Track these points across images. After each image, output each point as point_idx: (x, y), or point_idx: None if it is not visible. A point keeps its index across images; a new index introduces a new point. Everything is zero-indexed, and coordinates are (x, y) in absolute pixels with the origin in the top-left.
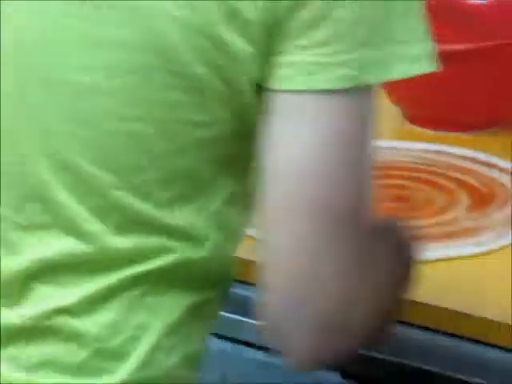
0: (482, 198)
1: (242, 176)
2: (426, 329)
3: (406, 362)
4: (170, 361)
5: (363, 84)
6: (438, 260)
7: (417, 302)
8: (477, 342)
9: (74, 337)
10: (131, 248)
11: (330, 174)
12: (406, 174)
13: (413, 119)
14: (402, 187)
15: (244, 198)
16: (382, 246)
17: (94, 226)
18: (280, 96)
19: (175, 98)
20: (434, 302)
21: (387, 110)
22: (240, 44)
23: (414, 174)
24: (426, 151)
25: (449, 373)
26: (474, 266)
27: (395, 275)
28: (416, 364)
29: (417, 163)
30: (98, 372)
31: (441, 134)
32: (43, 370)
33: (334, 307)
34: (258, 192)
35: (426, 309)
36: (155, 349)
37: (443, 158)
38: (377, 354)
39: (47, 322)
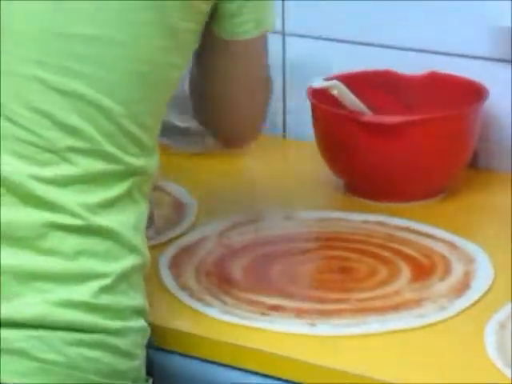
0: (424, 270)
1: None
2: None
3: None
4: (147, 253)
5: None
6: (380, 333)
7: (361, 376)
8: None
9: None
10: (140, 164)
11: None
12: (347, 245)
13: (353, 190)
14: (344, 259)
15: None
16: None
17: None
18: None
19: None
20: (375, 376)
21: (328, 182)
22: None
23: (356, 245)
24: (367, 222)
25: None
26: (416, 338)
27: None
28: None
29: (358, 234)
30: (117, 258)
31: (380, 204)
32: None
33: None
34: None
35: (369, 381)
36: (143, 241)
37: (383, 229)
38: None
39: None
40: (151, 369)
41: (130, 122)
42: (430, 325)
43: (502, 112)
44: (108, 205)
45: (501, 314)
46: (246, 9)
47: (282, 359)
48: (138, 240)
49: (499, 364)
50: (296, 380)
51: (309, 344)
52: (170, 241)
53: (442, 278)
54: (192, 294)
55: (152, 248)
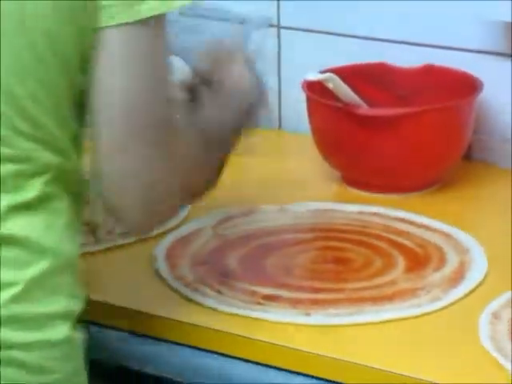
0: (418, 260)
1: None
2: None
3: None
4: (71, 250)
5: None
6: (375, 322)
7: (356, 364)
8: None
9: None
10: (46, 162)
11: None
12: (343, 236)
13: (349, 182)
14: (340, 249)
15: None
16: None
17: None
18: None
19: None
20: (370, 364)
21: (324, 173)
22: None
23: (351, 236)
24: (362, 213)
25: None
26: (411, 327)
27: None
28: None
29: (353, 225)
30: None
31: (376, 195)
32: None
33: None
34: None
35: (363, 370)
36: (63, 239)
37: (379, 220)
38: None
39: None
40: (147, 358)
41: (41, 114)
42: (425, 314)
43: (496, 105)
44: (15, 209)
45: (495, 304)
46: None
47: (277, 348)
48: (52, 241)
49: (493, 353)
50: (290, 368)
51: (304, 333)
52: (166, 232)
53: (437, 269)
54: (187, 285)
55: (148, 239)
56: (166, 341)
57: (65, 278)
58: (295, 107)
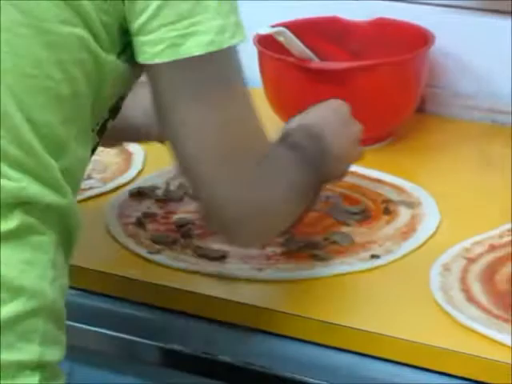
0: (371, 214)
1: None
2: (314, 344)
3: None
4: (52, 292)
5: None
6: (328, 276)
7: (309, 319)
8: (373, 357)
9: None
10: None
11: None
12: None
13: None
14: None
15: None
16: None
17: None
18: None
19: None
20: (322, 318)
21: (277, 128)
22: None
23: None
24: None
25: None
26: (363, 280)
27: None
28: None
29: None
30: None
31: None
32: None
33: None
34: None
35: (316, 324)
36: (42, 279)
37: None
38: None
39: None
40: (103, 316)
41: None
42: (377, 267)
43: (448, 58)
44: None
45: (445, 257)
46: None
47: (230, 303)
48: (31, 278)
49: (443, 304)
50: (245, 323)
51: (256, 288)
52: (118, 189)
53: (389, 222)
54: (139, 242)
55: (99, 196)
56: (117, 298)
57: (40, 324)
58: (247, 62)
